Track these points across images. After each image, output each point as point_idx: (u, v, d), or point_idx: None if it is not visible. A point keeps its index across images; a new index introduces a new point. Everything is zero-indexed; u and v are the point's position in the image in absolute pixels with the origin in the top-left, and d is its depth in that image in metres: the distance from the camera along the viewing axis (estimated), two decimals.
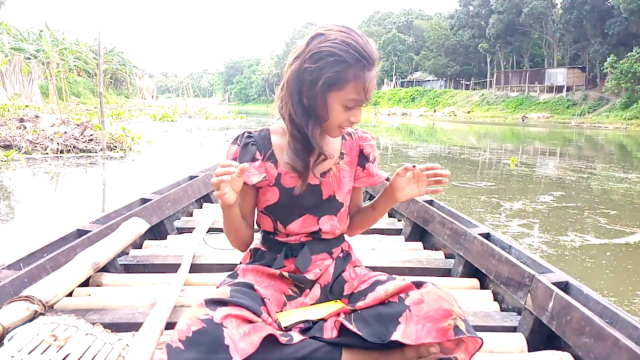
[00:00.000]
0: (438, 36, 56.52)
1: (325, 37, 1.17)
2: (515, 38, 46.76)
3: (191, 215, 3.28)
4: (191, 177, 3.55)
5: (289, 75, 1.21)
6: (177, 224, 2.98)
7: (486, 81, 52.58)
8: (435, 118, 44.53)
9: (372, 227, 1.62)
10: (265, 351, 1.04)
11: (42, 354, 1.17)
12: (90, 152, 10.24)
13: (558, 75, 43.31)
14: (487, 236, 2.22)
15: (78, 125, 12.06)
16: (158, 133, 17.63)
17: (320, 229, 1.35)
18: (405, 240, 2.80)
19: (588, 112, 37.80)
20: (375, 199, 1.42)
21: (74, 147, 10.16)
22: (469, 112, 46.35)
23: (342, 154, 1.39)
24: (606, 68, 35.67)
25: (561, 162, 12.25)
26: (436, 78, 59.32)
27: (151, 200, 2.75)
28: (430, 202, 2.91)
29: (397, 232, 2.99)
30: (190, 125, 23.62)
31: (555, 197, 7.03)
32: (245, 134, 1.36)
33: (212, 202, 3.60)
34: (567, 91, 42.18)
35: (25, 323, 1.34)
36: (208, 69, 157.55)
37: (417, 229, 2.81)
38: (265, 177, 1.30)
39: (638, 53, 33.44)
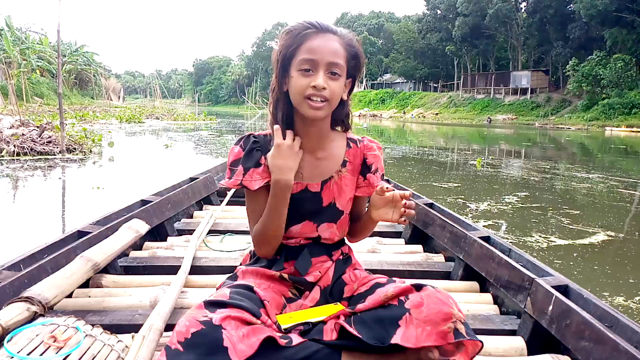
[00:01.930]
0: (407, 39, 57.14)
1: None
2: (481, 41, 47.67)
3: (191, 217, 3.26)
4: (191, 179, 3.51)
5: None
6: (178, 225, 2.97)
7: (454, 83, 53.44)
8: (405, 119, 45.04)
9: None
10: (264, 353, 1.04)
11: (41, 355, 1.18)
12: (49, 154, 9.93)
13: (522, 78, 44.39)
14: (487, 239, 2.23)
15: (38, 127, 11.75)
16: (123, 135, 17.23)
17: (319, 236, 1.35)
18: (405, 243, 2.81)
19: (551, 114, 38.84)
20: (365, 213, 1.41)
21: (31, 149, 9.85)
22: (437, 113, 47.03)
23: (345, 161, 1.38)
24: (568, 71, 36.82)
25: (526, 163, 12.51)
26: (405, 80, 60.00)
27: (151, 201, 2.73)
28: (431, 205, 2.91)
29: (397, 234, 2.98)
30: (157, 126, 23.22)
31: (520, 197, 7.11)
32: (251, 138, 1.35)
33: (213, 204, 3.57)
34: (531, 93, 43.26)
35: (25, 324, 1.34)
36: (177, 69, 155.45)
37: (417, 231, 2.81)
38: (268, 182, 1.30)
39: (598, 57, 34.71)
